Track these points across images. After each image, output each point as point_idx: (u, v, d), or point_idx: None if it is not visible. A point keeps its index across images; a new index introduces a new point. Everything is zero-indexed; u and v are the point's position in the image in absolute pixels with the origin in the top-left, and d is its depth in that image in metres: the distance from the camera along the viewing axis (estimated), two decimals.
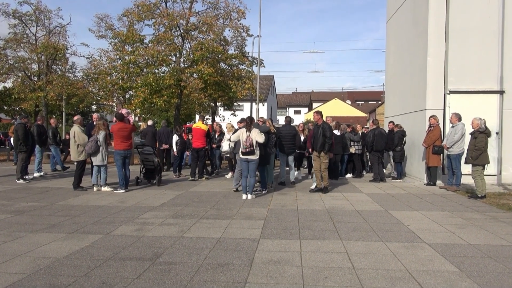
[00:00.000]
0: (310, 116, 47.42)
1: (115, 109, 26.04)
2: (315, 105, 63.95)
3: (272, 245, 4.96)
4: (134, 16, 17.81)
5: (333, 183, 10.66)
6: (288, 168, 10.83)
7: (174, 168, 12.39)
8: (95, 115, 10.62)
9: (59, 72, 23.05)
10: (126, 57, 17.70)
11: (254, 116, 22.72)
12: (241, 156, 8.48)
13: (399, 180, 11.34)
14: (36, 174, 11.80)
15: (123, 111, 9.81)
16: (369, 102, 71.02)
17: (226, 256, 4.49)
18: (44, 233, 5.45)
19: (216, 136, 13.17)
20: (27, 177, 10.87)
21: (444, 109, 10.69)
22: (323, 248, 4.82)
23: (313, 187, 9.59)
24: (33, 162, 12.35)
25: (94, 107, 31.40)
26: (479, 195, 8.36)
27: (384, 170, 12.22)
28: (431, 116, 10.21)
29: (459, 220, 6.45)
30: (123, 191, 9.02)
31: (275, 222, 6.19)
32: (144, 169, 10.44)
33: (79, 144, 9.29)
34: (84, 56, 37.45)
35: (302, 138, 11.57)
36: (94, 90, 23.25)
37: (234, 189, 9.38)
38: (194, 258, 4.41)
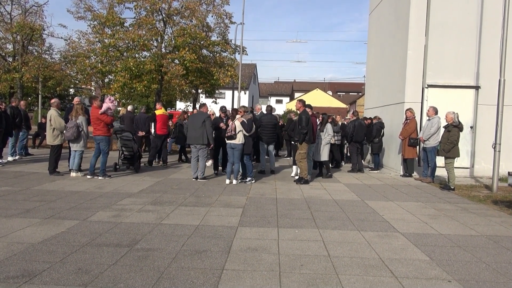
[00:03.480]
0: (292, 105, 47.60)
1: (93, 93, 25.48)
2: (296, 94, 64.09)
3: (250, 232, 5.01)
4: None
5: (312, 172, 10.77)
6: (268, 157, 10.89)
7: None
8: (76, 99, 10.33)
9: (36, 53, 22.36)
10: (106, 40, 17.29)
11: (235, 104, 22.68)
12: (226, 141, 8.83)
13: (376, 171, 11.57)
14: (10, 158, 11.49)
15: (110, 99, 9.35)
16: (350, 94, 71.74)
17: (204, 243, 4.51)
18: (19, 218, 5.35)
19: None
20: (1, 160, 10.58)
21: (422, 103, 10.90)
22: (300, 236, 4.91)
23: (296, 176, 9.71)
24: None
25: (72, 90, 30.67)
26: (452, 187, 8.63)
27: (363, 161, 12.45)
28: (407, 109, 10.42)
29: (431, 210, 6.65)
30: (101, 177, 8.88)
31: (253, 210, 6.25)
32: (122, 155, 10.32)
33: (55, 128, 9.08)
34: (62, 38, 36.38)
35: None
36: (72, 73, 22.65)
37: (193, 178, 9.21)
38: (172, 245, 4.42)
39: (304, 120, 8.79)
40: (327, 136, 10.02)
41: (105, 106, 8.96)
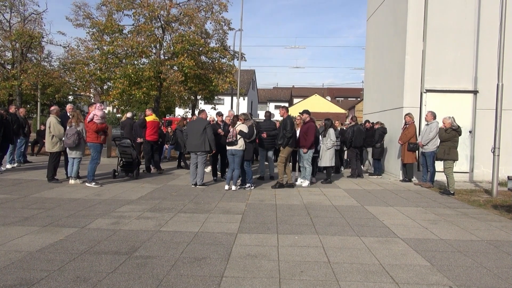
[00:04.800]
0: (290, 112, 47.64)
1: (92, 100, 25.52)
2: (295, 100, 64.27)
3: (250, 239, 4.99)
4: (113, 6, 17.45)
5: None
6: (268, 163, 10.87)
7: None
8: (69, 106, 10.34)
9: (34, 60, 22.46)
10: (105, 47, 17.36)
11: (234, 110, 22.70)
12: (227, 147, 8.81)
13: (376, 176, 11.55)
14: (8, 166, 11.45)
15: (97, 106, 9.31)
16: (349, 99, 71.88)
17: (203, 250, 4.49)
18: (17, 226, 5.32)
19: None
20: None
21: (420, 108, 10.92)
22: (300, 243, 4.88)
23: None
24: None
25: (71, 97, 30.70)
26: (452, 191, 8.61)
27: (362, 167, 12.42)
28: (406, 114, 10.43)
29: (431, 215, 6.63)
30: (88, 184, 8.75)
31: (253, 217, 6.22)
32: (121, 161, 10.29)
33: (54, 135, 9.06)
34: (60, 45, 36.43)
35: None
36: (71, 80, 22.71)
37: (192, 184, 9.21)
38: (171, 252, 4.39)
39: (289, 124, 9.02)
40: (329, 141, 9.90)
41: (91, 114, 8.93)
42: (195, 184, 9.11)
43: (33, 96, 24.19)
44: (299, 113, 10.09)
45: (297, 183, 9.74)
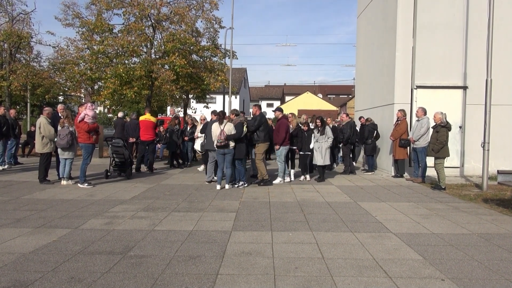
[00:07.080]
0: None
1: (83, 101, 25.32)
2: (287, 98, 64.33)
3: (244, 237, 5.00)
4: (103, 5, 17.29)
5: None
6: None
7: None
8: (60, 106, 10.24)
9: (23, 61, 22.22)
10: (95, 47, 17.19)
11: (226, 109, 22.67)
12: (216, 149, 8.67)
13: (370, 173, 11.61)
14: None
15: (88, 106, 9.21)
16: (340, 96, 72.19)
17: (198, 249, 4.49)
18: (9, 228, 5.27)
19: (188, 128, 13.08)
20: None
21: (411, 103, 11.01)
22: (294, 239, 4.91)
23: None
24: None
25: (61, 98, 30.41)
26: (443, 186, 8.71)
27: (354, 163, 12.47)
28: (399, 110, 10.50)
29: (423, 210, 6.71)
30: (80, 185, 8.68)
31: (247, 214, 6.24)
32: (114, 161, 10.24)
33: (44, 136, 8.98)
34: (50, 45, 36.07)
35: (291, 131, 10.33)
36: (61, 80, 22.47)
37: (207, 181, 9.48)
38: (165, 251, 4.39)
39: (252, 120, 9.32)
40: (328, 139, 9.81)
41: (82, 113, 8.86)
42: (210, 182, 9.42)
43: (23, 97, 23.96)
44: (272, 111, 10.16)
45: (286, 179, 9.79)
